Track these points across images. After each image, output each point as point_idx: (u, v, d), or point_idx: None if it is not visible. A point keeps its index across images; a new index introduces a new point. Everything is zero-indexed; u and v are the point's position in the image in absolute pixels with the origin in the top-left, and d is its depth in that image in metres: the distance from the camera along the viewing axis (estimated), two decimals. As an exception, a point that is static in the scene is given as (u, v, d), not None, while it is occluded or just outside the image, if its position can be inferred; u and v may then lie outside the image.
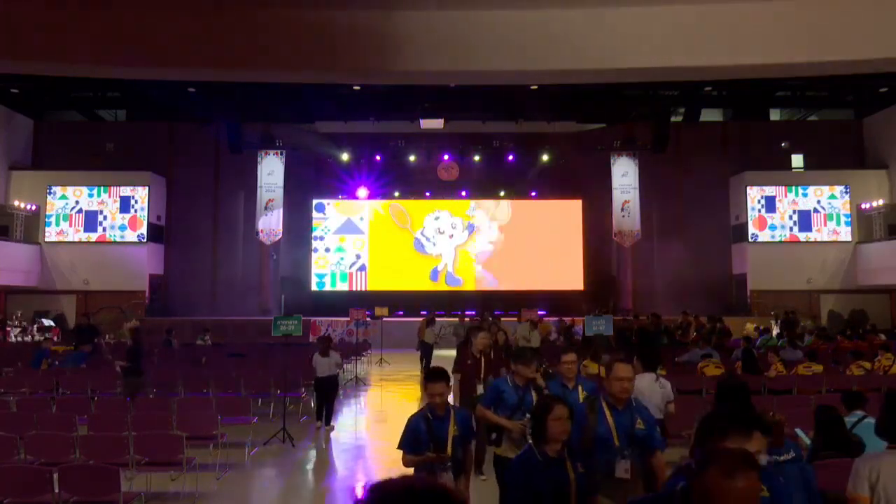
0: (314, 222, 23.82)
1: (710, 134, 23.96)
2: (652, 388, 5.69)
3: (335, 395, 10.05)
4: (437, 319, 16.21)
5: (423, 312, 17.56)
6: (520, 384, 5.01)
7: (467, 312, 17.42)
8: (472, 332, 7.72)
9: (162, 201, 23.11)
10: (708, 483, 1.91)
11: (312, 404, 11.07)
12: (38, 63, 8.64)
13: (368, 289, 23.35)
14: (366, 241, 23.87)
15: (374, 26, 8.26)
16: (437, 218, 24.01)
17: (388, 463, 8.28)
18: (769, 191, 22.42)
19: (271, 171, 22.59)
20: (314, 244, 23.72)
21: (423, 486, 1.49)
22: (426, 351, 14.61)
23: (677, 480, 2.45)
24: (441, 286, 23.50)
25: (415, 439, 4.24)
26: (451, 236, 23.97)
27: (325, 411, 9.68)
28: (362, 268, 23.74)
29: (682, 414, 6.93)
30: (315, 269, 23.65)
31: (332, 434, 9.64)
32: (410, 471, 4.17)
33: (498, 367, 7.28)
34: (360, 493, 1.56)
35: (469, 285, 23.63)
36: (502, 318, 17.35)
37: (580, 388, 5.09)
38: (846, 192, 22.12)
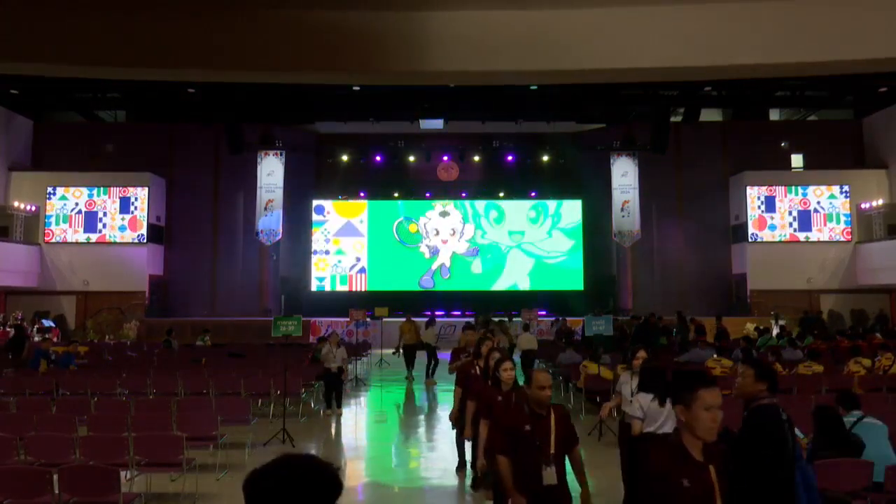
0: (313, 223, 23.80)
1: (710, 134, 23.96)
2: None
3: (343, 383, 11.35)
4: (437, 320, 16.20)
5: (426, 313, 17.57)
6: None
7: (467, 313, 17.41)
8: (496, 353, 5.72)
9: (162, 202, 23.10)
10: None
11: (313, 404, 11.15)
12: (39, 63, 8.63)
13: (368, 289, 23.34)
14: (365, 242, 23.86)
15: (374, 26, 8.26)
16: (451, 213, 23.92)
17: (388, 463, 8.29)
18: (769, 191, 22.43)
19: (271, 171, 22.59)
20: (314, 245, 23.71)
21: (293, 456, 1.64)
22: (429, 352, 14.55)
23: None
24: (439, 287, 23.48)
25: None
26: (469, 230, 23.87)
27: (336, 397, 10.82)
28: (362, 269, 23.74)
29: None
30: (315, 269, 23.64)
31: (333, 434, 9.71)
32: None
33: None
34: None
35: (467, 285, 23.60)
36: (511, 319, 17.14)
37: None
38: (846, 192, 22.13)
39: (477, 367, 6.49)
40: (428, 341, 14.60)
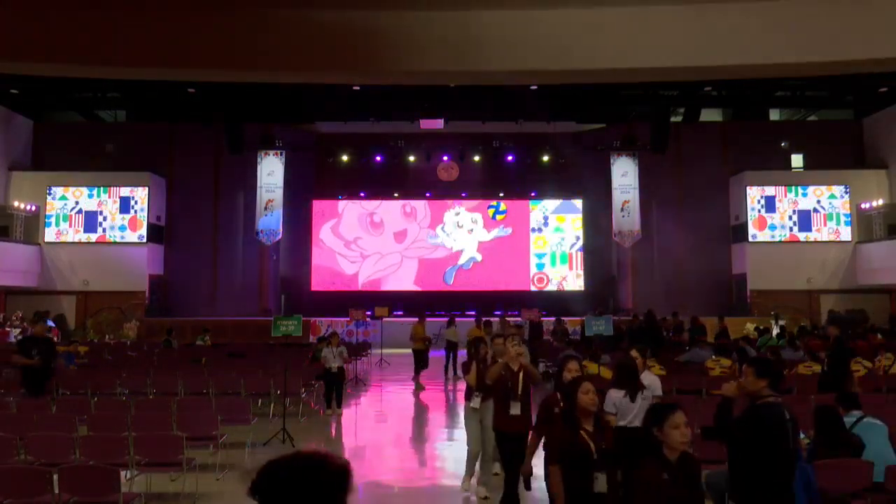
0: (313, 222, 23.80)
1: (710, 134, 23.95)
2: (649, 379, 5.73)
3: (343, 383, 11.28)
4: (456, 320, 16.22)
5: (441, 312, 17.61)
6: None
7: (468, 312, 17.43)
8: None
9: (162, 202, 23.09)
10: None
11: (312, 402, 11.14)
12: (38, 63, 8.64)
13: (368, 289, 23.34)
14: (366, 241, 23.85)
15: (374, 26, 8.26)
16: (457, 213, 23.98)
17: (388, 462, 8.29)
18: (769, 191, 22.41)
19: (271, 171, 22.59)
20: (314, 245, 23.70)
21: (303, 455, 1.71)
22: (450, 351, 14.80)
23: None
24: (444, 286, 23.47)
25: None
26: (471, 231, 23.92)
27: (336, 397, 10.86)
28: (363, 268, 23.73)
29: (682, 414, 6.92)
30: (315, 268, 23.64)
31: (333, 434, 9.72)
32: None
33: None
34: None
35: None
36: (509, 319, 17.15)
37: None
38: (846, 192, 22.12)
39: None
40: (451, 339, 14.83)
